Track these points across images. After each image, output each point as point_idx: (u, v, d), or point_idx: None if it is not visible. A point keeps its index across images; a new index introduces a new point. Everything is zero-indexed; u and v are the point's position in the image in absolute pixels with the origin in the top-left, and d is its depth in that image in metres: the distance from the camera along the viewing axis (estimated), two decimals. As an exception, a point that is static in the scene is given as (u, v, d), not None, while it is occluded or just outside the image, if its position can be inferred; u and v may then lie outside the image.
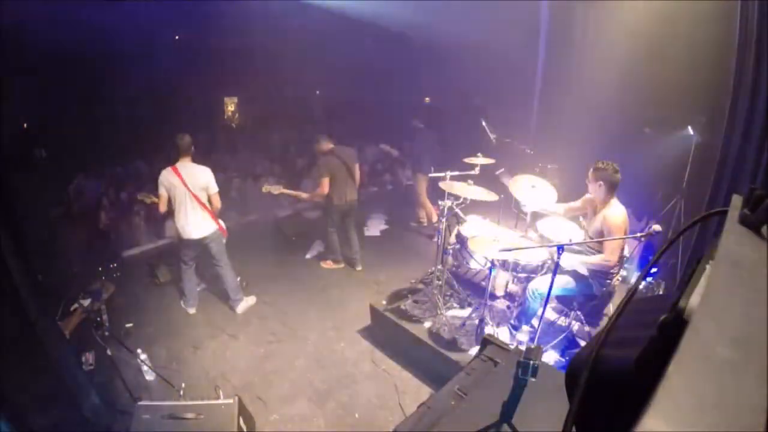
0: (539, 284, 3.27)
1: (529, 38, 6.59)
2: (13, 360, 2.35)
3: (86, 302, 4.02)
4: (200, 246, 4.04)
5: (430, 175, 4.78)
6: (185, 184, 3.81)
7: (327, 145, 4.69)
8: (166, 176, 3.81)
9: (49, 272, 3.94)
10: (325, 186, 4.61)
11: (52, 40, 5.51)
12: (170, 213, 3.94)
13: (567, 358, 3.38)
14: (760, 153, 3.03)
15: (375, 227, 6.47)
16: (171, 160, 3.86)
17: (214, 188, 3.95)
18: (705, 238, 3.59)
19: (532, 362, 1.53)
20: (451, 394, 2.01)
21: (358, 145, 5.27)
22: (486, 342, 2.44)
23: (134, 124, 6.68)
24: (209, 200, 3.95)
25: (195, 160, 3.91)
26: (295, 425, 3.11)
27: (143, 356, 3.51)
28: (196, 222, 3.91)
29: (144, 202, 4.10)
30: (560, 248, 2.78)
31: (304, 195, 4.87)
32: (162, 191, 3.83)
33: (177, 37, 7.35)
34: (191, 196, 3.84)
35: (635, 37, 5.02)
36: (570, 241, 3.04)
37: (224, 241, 4.18)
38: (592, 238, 3.20)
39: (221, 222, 4.11)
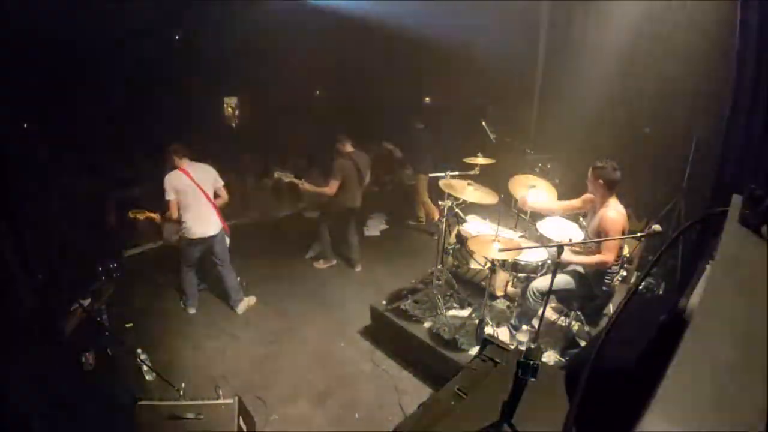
0: (539, 284, 3.27)
1: (529, 38, 6.58)
2: (14, 360, 2.35)
3: (86, 302, 4.02)
4: (206, 245, 4.03)
5: (431, 174, 4.79)
6: (196, 183, 3.80)
7: (348, 147, 4.70)
8: (175, 179, 3.76)
9: (49, 272, 3.93)
10: (334, 188, 4.62)
11: (52, 39, 5.50)
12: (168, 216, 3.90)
13: (567, 358, 3.38)
14: (760, 153, 3.03)
15: (375, 227, 6.47)
16: (170, 167, 3.81)
17: (220, 181, 4.02)
18: (705, 238, 3.58)
19: (532, 362, 1.53)
20: (451, 394, 2.01)
21: (360, 145, 5.28)
22: (486, 342, 2.44)
23: (134, 124, 6.67)
24: (216, 194, 3.99)
25: (193, 159, 3.91)
26: (295, 425, 3.11)
27: (143, 356, 3.51)
28: (205, 220, 3.91)
29: (137, 218, 3.88)
30: (560, 248, 2.78)
31: (311, 188, 4.80)
32: (171, 196, 3.75)
33: (177, 37, 7.33)
34: (202, 194, 3.84)
35: (635, 36, 5.02)
36: (570, 241, 3.04)
37: (228, 239, 4.18)
38: (591, 238, 3.20)
39: (224, 220, 4.11)
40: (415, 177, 6.18)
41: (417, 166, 6.07)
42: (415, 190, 6.17)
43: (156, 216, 3.85)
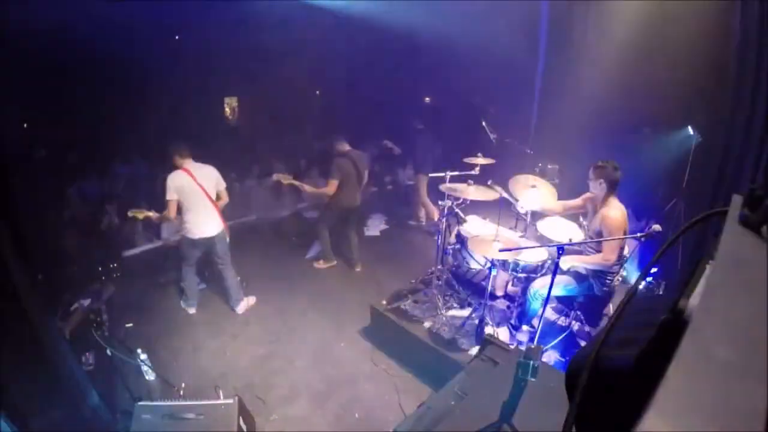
0: (539, 284, 3.27)
1: (529, 38, 6.58)
2: (14, 360, 2.35)
3: (86, 302, 4.02)
4: (207, 245, 4.03)
5: (431, 174, 4.79)
6: (199, 184, 3.80)
7: (344, 147, 4.72)
8: (178, 179, 3.74)
9: (49, 272, 3.93)
10: (333, 187, 4.63)
11: (52, 39, 5.51)
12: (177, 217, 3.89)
13: (567, 358, 3.38)
14: (760, 153, 3.03)
15: (375, 227, 6.47)
16: (173, 167, 3.80)
17: (222, 183, 4.03)
18: (705, 238, 3.59)
19: (532, 362, 1.53)
20: (451, 394, 2.02)
21: (360, 145, 5.30)
22: (486, 342, 2.45)
23: (134, 124, 6.67)
24: (218, 196, 3.99)
25: (197, 160, 3.91)
26: (295, 425, 3.11)
27: (143, 356, 3.51)
28: (207, 221, 3.91)
29: (136, 218, 3.85)
30: (560, 248, 2.78)
31: (310, 189, 4.83)
32: (172, 196, 3.72)
33: (177, 37, 7.34)
34: (204, 194, 3.83)
35: (635, 36, 5.02)
36: (570, 241, 3.04)
37: (228, 239, 4.19)
38: (591, 238, 3.20)
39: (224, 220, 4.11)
40: (415, 177, 6.19)
41: (417, 166, 6.07)
42: (416, 191, 6.17)
43: (155, 215, 3.84)
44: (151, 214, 3.80)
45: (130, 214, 3.88)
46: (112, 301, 4.35)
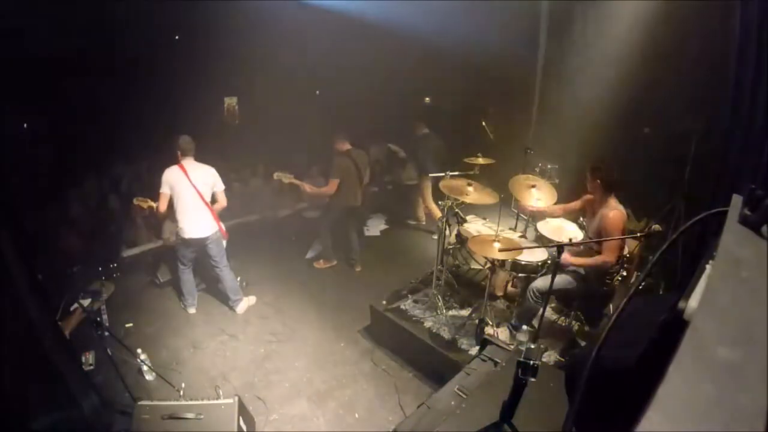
0: (539, 284, 3.27)
1: (529, 38, 6.59)
2: (13, 360, 2.35)
3: (86, 302, 4.02)
4: (200, 246, 4.02)
5: (431, 175, 4.79)
6: (191, 182, 3.78)
7: (345, 145, 4.71)
8: (171, 174, 3.75)
9: (49, 272, 3.93)
10: (334, 186, 4.63)
11: (53, 39, 5.51)
12: (169, 213, 3.91)
13: (567, 358, 3.38)
14: (760, 153, 3.03)
15: (375, 227, 6.47)
16: (174, 161, 3.82)
17: (220, 186, 3.99)
18: (705, 238, 3.59)
19: (532, 362, 1.53)
20: (451, 394, 2.01)
21: (360, 145, 5.30)
22: (486, 342, 2.44)
23: (134, 124, 6.67)
24: (214, 199, 3.96)
25: (197, 160, 3.91)
26: (295, 425, 3.11)
27: (143, 356, 3.51)
28: (198, 221, 3.89)
29: (141, 207, 3.94)
30: (560, 248, 2.78)
31: (311, 188, 4.83)
32: (165, 190, 3.74)
33: (177, 37, 7.34)
34: (196, 194, 3.81)
35: (635, 36, 5.02)
36: (570, 241, 3.04)
37: (224, 243, 4.17)
38: (591, 238, 3.20)
39: (221, 224, 4.10)
40: (419, 178, 6.17)
41: (421, 169, 6.02)
42: (420, 193, 6.15)
43: (154, 206, 3.86)
44: (155, 205, 3.82)
45: (135, 202, 3.95)
46: (112, 301, 4.34)
